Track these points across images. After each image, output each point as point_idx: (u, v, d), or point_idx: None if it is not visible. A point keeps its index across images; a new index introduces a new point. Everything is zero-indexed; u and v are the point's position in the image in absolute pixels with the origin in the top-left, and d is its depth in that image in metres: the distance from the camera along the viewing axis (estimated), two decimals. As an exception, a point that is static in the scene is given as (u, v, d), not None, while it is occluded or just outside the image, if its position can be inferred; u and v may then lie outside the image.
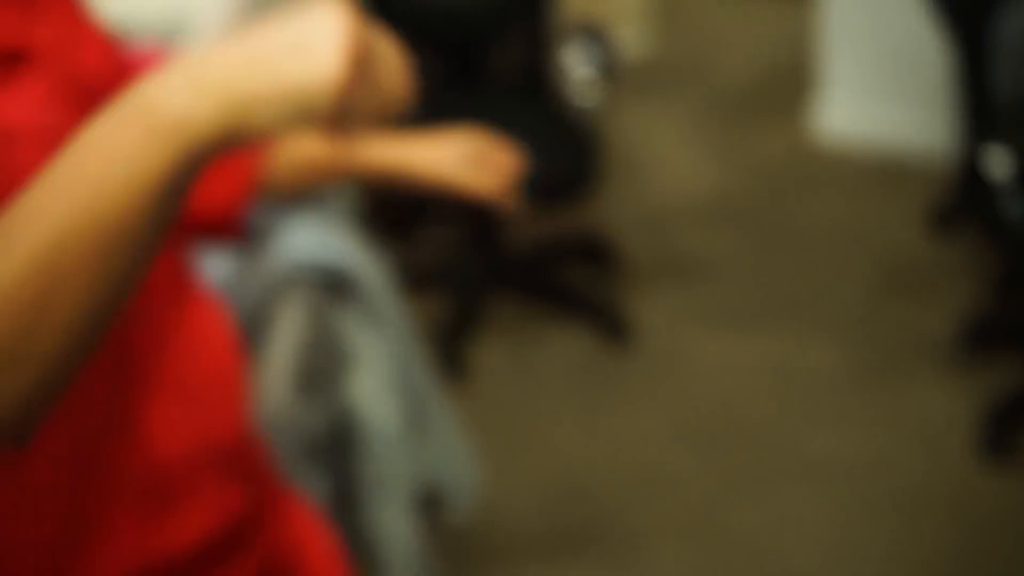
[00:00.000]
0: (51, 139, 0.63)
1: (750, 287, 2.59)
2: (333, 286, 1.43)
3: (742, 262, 2.69)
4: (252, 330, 1.25)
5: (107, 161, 0.49)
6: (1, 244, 0.48)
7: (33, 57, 0.72)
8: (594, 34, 2.45)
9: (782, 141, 3.23)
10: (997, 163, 2.02)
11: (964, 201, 2.64)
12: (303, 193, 1.09)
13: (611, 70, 2.39)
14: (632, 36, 3.62)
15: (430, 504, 1.52)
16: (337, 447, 1.36)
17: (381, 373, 1.43)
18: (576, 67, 2.43)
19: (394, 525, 1.36)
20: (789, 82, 3.48)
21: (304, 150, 0.99)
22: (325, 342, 1.39)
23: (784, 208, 2.90)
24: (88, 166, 0.49)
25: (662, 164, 3.17)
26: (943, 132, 2.86)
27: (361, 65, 0.51)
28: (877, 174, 3.04)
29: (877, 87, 3.12)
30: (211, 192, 0.88)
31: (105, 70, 0.79)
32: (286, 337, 1.27)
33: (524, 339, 2.45)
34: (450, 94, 2.53)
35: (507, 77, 2.66)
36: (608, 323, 2.37)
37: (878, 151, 3.07)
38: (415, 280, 2.09)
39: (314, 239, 1.46)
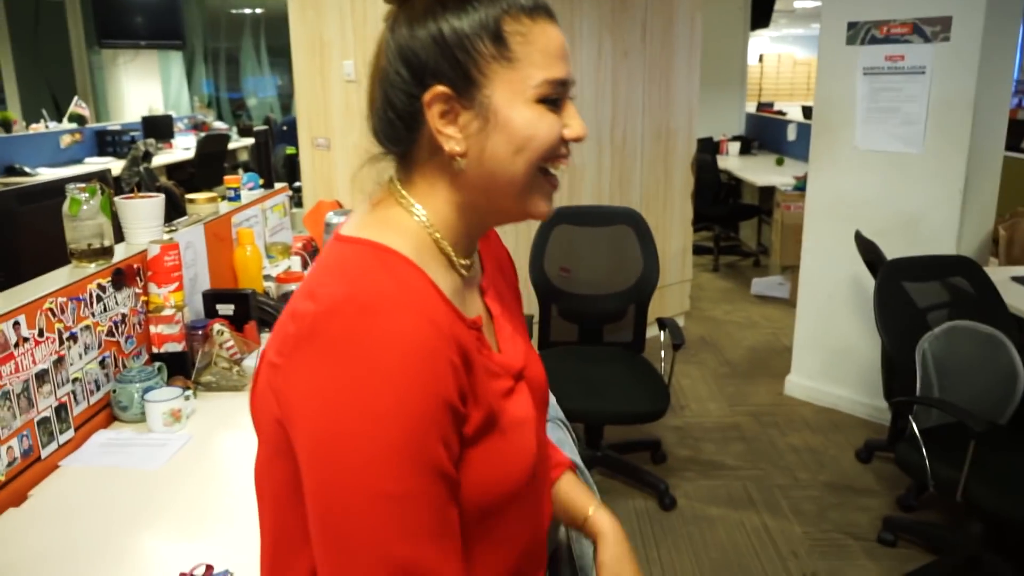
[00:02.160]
0: (534, 426, 0.82)
1: (746, 481, 3.04)
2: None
3: (741, 465, 3.17)
4: None
5: None
6: None
7: (525, 376, 0.85)
8: (669, 322, 2.87)
9: (767, 394, 3.96)
10: (907, 423, 2.30)
11: (887, 444, 3.01)
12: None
13: (677, 344, 2.74)
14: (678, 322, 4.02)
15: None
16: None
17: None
18: (660, 342, 2.93)
19: None
20: (771, 357, 4.35)
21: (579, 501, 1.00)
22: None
23: (768, 435, 3.47)
24: None
25: (695, 401, 3.88)
26: (865, 398, 3.58)
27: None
28: (825, 420, 3.63)
29: (826, 367, 3.75)
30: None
31: (541, 378, 0.89)
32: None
33: (609, 501, 2.17)
34: (584, 349, 3.10)
35: (617, 344, 3.11)
36: (660, 494, 2.86)
37: (826, 406, 3.74)
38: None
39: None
